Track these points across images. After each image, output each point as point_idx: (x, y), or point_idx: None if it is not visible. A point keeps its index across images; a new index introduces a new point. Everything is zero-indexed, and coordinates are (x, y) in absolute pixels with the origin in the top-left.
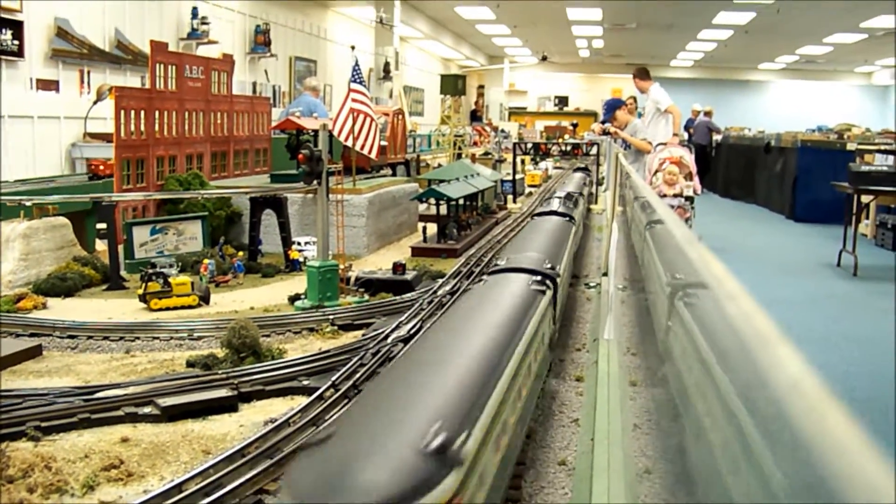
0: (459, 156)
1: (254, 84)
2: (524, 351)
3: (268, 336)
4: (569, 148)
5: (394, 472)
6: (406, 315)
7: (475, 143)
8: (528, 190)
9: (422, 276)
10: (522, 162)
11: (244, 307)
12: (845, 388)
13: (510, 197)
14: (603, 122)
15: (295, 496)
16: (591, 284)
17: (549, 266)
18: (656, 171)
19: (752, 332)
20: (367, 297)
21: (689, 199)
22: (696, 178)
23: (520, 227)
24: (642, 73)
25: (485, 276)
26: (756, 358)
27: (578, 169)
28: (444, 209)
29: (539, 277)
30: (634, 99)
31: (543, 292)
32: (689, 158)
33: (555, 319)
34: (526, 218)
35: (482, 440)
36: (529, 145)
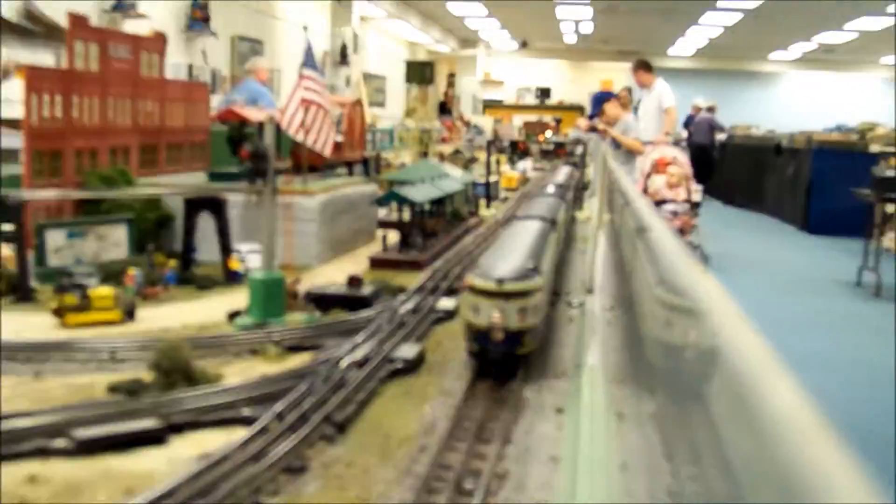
0: (426, 154)
1: (189, 67)
2: None
3: (203, 358)
4: (551, 147)
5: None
6: (362, 336)
7: (444, 140)
8: (503, 194)
9: (381, 291)
10: (497, 162)
11: (176, 324)
12: (865, 421)
13: (483, 202)
14: (590, 118)
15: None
16: (574, 304)
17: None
18: (650, 174)
19: (747, 360)
20: (317, 314)
21: (696, 205)
22: (693, 183)
23: (493, 233)
24: (644, 66)
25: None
26: (751, 389)
27: (567, 164)
28: (407, 215)
29: None
30: (629, 91)
31: None
32: (684, 159)
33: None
34: (501, 225)
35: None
36: (506, 143)
